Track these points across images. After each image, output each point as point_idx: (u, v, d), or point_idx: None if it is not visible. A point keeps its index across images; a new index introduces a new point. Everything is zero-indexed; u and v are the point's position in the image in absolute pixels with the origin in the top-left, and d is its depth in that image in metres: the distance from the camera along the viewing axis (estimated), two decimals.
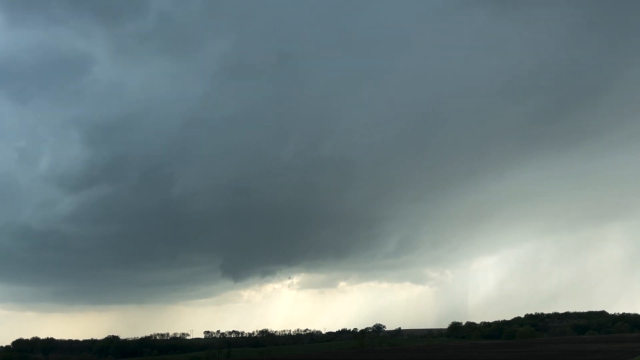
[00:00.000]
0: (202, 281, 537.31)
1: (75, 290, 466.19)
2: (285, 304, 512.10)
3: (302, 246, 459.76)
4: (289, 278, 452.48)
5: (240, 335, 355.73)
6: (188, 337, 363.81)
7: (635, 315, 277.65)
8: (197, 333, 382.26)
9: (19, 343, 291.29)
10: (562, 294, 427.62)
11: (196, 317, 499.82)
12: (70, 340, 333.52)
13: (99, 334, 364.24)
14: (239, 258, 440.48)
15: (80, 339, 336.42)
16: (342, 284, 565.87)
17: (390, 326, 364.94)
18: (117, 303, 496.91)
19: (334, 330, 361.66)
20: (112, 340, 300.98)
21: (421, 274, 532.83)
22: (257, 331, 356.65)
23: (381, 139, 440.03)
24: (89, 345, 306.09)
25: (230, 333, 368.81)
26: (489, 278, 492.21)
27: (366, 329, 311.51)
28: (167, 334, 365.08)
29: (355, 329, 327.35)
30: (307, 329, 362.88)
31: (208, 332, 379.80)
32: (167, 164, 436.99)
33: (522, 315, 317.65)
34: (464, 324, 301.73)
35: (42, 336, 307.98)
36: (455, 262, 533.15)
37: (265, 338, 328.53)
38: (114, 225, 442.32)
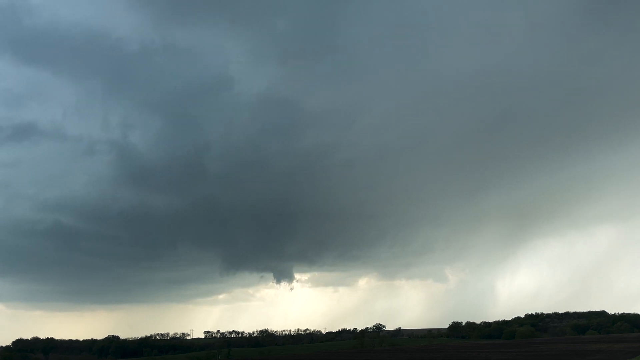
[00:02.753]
0: (211, 279, 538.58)
1: (85, 290, 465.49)
2: (297, 302, 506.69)
3: (316, 243, 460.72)
4: (290, 281, 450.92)
5: (240, 335, 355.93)
6: (188, 337, 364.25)
7: (635, 315, 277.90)
8: (197, 333, 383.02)
9: (19, 343, 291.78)
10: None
11: (205, 316, 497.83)
12: (70, 340, 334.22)
13: (100, 334, 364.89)
14: (249, 255, 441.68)
15: (81, 339, 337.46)
16: (360, 282, 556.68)
17: (405, 325, 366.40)
18: (123, 302, 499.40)
19: (334, 330, 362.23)
20: (112, 340, 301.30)
21: (442, 273, 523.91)
22: (257, 331, 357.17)
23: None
24: (89, 345, 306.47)
25: (230, 333, 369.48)
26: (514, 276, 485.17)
27: (366, 328, 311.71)
28: (167, 334, 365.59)
29: (355, 328, 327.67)
30: (307, 329, 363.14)
31: (208, 332, 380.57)
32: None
33: (522, 315, 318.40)
34: (463, 324, 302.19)
35: (43, 336, 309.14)
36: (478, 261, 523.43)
37: (265, 338, 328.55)
38: (126, 222, 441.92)
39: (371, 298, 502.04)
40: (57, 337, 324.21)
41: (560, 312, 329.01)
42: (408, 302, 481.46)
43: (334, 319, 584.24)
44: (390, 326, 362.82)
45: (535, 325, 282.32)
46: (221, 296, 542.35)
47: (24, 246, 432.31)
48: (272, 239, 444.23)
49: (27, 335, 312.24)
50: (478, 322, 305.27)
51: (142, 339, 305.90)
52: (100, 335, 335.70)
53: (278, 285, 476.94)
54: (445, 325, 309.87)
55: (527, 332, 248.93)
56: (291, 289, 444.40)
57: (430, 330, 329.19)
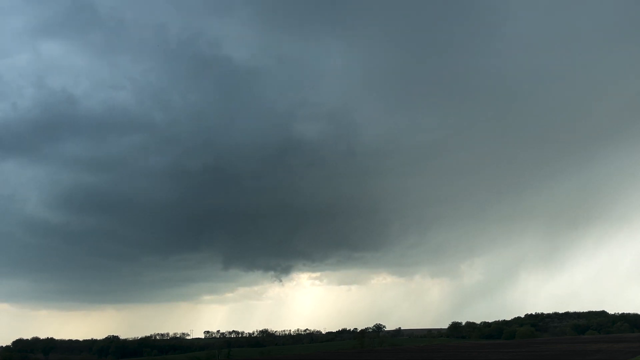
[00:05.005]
0: (220, 278, 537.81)
1: (94, 289, 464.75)
2: (310, 301, 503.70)
3: (328, 240, 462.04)
4: (280, 280, 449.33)
5: (240, 335, 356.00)
6: (188, 337, 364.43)
7: (635, 315, 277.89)
8: (197, 333, 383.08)
9: (19, 343, 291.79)
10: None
11: (214, 315, 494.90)
12: (70, 340, 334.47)
13: (100, 334, 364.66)
14: (258, 253, 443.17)
15: (81, 339, 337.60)
16: (373, 280, 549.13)
17: (421, 324, 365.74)
18: (131, 301, 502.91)
19: (334, 330, 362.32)
20: (112, 340, 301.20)
21: (459, 271, 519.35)
22: (257, 331, 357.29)
23: None
24: (89, 346, 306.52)
25: (230, 333, 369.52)
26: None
27: (366, 328, 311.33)
28: (167, 334, 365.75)
29: (355, 329, 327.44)
30: (307, 329, 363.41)
31: (208, 332, 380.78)
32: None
33: (522, 315, 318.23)
34: (463, 324, 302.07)
35: (43, 336, 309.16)
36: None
37: (265, 338, 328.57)
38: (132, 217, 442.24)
39: (384, 296, 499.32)
40: (65, 336, 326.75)
41: (560, 312, 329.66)
42: (422, 300, 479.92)
43: (346, 317, 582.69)
44: (402, 326, 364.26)
45: (535, 325, 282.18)
46: (230, 295, 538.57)
47: (36, 245, 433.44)
48: (289, 237, 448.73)
49: (33, 335, 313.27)
50: (478, 322, 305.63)
51: (141, 339, 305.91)
52: (101, 335, 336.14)
53: (281, 283, 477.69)
54: (446, 325, 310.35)
55: (527, 332, 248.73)
56: (280, 280, 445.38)
57: (430, 330, 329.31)
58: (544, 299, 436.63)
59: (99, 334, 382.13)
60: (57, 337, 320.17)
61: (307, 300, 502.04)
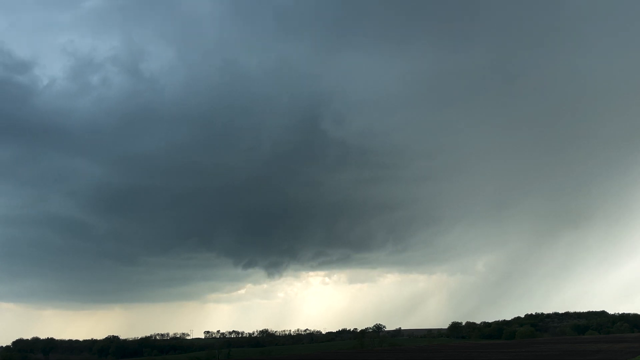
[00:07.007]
0: (225, 276, 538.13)
1: (100, 289, 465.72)
2: (320, 300, 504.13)
3: (337, 239, 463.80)
4: (275, 278, 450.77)
5: (240, 335, 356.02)
6: (188, 337, 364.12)
7: (635, 315, 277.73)
8: (197, 333, 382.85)
9: (19, 343, 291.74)
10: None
11: (221, 314, 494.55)
12: (70, 340, 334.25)
13: (100, 334, 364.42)
14: (265, 251, 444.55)
15: (80, 339, 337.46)
16: (382, 280, 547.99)
17: (434, 324, 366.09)
18: (138, 300, 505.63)
19: (334, 330, 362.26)
20: (112, 341, 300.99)
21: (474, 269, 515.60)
22: (257, 331, 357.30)
23: None
24: (89, 346, 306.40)
25: (230, 333, 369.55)
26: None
27: (366, 329, 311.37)
28: (167, 334, 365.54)
29: (355, 329, 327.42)
30: (307, 329, 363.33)
31: (208, 332, 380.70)
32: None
33: (522, 315, 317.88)
34: (463, 324, 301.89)
35: (43, 336, 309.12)
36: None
37: (265, 338, 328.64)
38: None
39: (394, 295, 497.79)
40: (72, 335, 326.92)
41: (560, 312, 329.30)
42: (430, 299, 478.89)
43: (352, 316, 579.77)
44: (407, 325, 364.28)
45: (535, 325, 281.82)
46: (237, 293, 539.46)
47: (50, 244, 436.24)
48: (299, 235, 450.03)
49: (39, 334, 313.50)
50: (478, 322, 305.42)
51: (141, 339, 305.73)
52: (99, 335, 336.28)
53: (290, 281, 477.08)
54: (445, 325, 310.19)
55: (527, 332, 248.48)
56: (269, 274, 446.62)
57: (430, 330, 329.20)
58: (552, 299, 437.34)
59: (104, 334, 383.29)
60: (63, 336, 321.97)
61: (318, 299, 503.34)
